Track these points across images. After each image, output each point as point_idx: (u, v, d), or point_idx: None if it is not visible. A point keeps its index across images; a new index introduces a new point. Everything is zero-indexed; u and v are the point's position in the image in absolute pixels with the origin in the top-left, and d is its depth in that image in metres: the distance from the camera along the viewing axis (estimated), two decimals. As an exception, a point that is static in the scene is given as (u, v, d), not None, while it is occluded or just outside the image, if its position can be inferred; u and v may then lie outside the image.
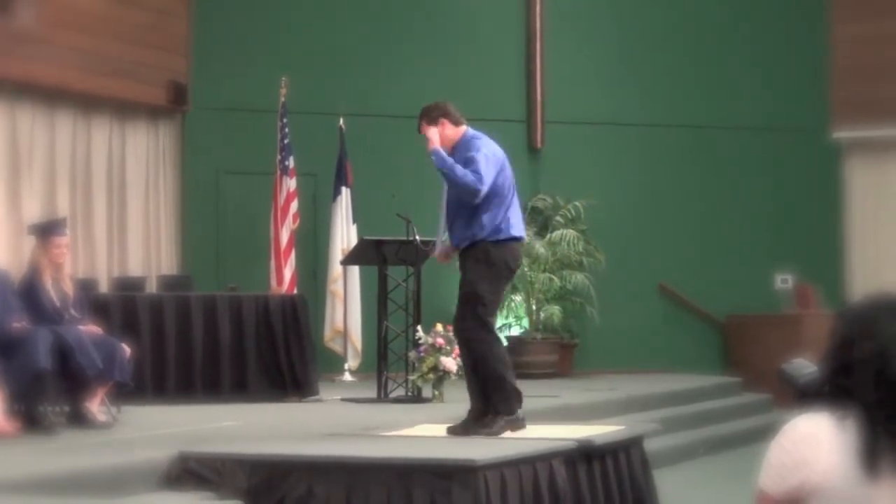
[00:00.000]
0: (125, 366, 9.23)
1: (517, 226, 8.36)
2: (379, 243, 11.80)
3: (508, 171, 8.41)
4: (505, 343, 15.68)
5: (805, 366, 3.37)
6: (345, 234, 14.43)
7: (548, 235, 15.89)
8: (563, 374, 15.52)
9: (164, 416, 9.94)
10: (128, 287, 12.26)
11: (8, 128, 13.32)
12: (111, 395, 9.43)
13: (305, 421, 9.85)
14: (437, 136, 8.39)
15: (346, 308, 14.37)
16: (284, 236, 13.99)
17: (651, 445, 8.86)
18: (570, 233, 15.82)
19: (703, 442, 12.13)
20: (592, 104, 16.54)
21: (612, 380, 14.51)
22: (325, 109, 14.93)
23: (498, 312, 8.37)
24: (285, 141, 14.18)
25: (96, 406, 9.17)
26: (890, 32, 16.87)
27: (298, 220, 14.18)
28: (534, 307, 15.78)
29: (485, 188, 8.13)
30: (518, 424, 8.18)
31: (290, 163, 14.17)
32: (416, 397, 11.48)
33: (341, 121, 14.64)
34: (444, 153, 8.30)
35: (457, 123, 8.51)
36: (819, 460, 2.78)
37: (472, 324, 8.20)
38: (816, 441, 2.79)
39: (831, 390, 2.86)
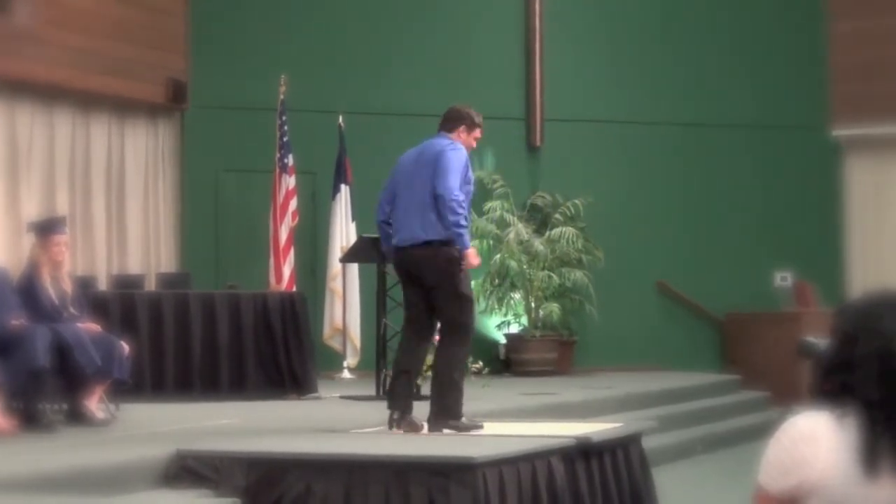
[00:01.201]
0: (124, 363, 9.23)
1: (397, 231, 8.52)
2: (378, 241, 11.77)
3: (399, 174, 8.59)
4: (503, 340, 15.82)
5: (823, 339, 3.37)
6: (344, 232, 14.43)
7: (547, 233, 15.90)
8: (562, 372, 15.53)
9: (163, 413, 9.94)
10: (127, 285, 12.26)
11: (7, 126, 13.32)
12: (110, 393, 9.43)
13: (304, 418, 9.84)
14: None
15: (345, 306, 14.36)
16: (283, 234, 13.98)
17: (649, 443, 8.86)
18: (569, 230, 15.83)
19: (700, 439, 12.13)
20: (592, 102, 16.54)
21: (611, 377, 14.51)
22: (325, 107, 14.93)
23: (407, 315, 8.61)
24: (284, 139, 14.17)
25: (95, 404, 9.17)
26: (888, 29, 16.86)
27: (298, 218, 14.17)
28: (533, 305, 15.79)
29: (378, 214, 8.69)
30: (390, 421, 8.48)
31: (290, 160, 14.16)
32: (415, 395, 11.46)
33: (340, 118, 14.64)
34: None
35: None
36: (818, 459, 2.77)
37: None
38: (815, 439, 2.78)
39: (831, 387, 2.85)
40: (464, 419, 8.36)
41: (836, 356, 2.86)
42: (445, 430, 8.28)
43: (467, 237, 8.37)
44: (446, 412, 8.35)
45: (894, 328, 2.81)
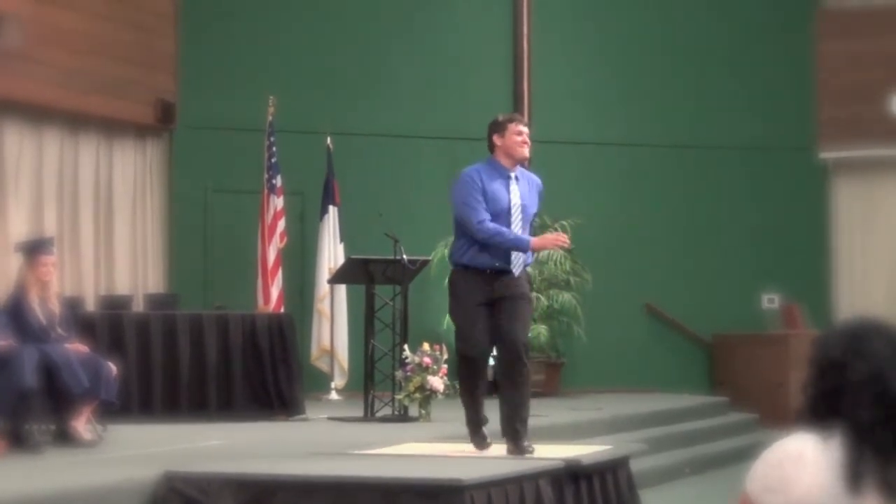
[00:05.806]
0: (111, 384, 9.22)
1: None
2: (366, 262, 11.80)
3: None
4: (491, 362, 15.78)
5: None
6: (332, 253, 14.42)
7: (535, 255, 15.87)
8: (550, 394, 15.50)
9: (151, 434, 9.92)
10: (114, 305, 12.24)
11: (-5, 146, 13.31)
12: (97, 414, 9.41)
13: (292, 440, 9.84)
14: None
15: (332, 327, 14.36)
16: (271, 255, 13.97)
17: (637, 465, 8.86)
18: (556, 252, 15.81)
19: (689, 462, 12.13)
20: (580, 124, 16.56)
21: (599, 399, 14.50)
22: (313, 128, 14.93)
23: None
24: (273, 159, 14.17)
25: (82, 425, 9.15)
26: (875, 51, 16.91)
27: (286, 239, 14.17)
28: (521, 326, 15.74)
29: None
30: None
31: (278, 181, 14.16)
32: (402, 416, 11.47)
33: (329, 139, 14.64)
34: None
35: None
36: (801, 481, 2.79)
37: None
38: (802, 461, 2.80)
39: (818, 411, 2.86)
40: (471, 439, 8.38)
41: (824, 382, 2.88)
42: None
43: (519, 241, 8.39)
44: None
45: (882, 350, 2.83)
